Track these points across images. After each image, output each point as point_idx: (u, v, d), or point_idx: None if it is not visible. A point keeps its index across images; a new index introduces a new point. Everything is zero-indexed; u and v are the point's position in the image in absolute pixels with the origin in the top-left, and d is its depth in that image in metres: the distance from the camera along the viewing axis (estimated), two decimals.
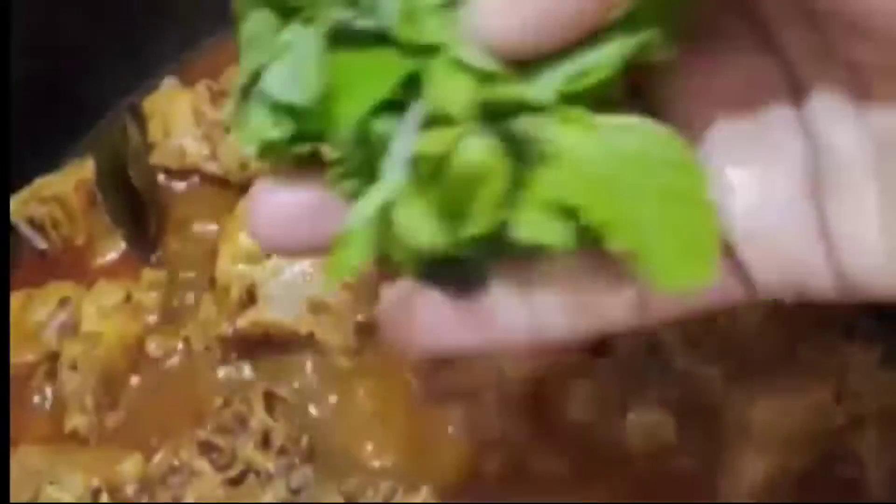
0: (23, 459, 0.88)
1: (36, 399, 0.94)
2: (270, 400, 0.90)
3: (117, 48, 1.11)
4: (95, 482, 0.86)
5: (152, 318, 0.96)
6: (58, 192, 1.03)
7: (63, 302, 0.97)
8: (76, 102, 1.10)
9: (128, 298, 0.96)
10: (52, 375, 0.95)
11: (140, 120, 1.05)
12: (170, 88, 1.09)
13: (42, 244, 1.04)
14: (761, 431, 0.81)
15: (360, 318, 0.89)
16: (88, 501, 0.85)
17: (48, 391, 0.94)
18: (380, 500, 0.85)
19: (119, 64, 1.11)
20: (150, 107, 1.06)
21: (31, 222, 1.03)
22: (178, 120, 1.02)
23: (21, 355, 0.95)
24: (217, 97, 1.01)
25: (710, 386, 0.85)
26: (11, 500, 0.84)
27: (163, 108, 1.04)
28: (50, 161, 1.09)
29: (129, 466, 0.87)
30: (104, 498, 0.86)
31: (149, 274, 0.98)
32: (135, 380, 0.94)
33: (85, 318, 0.95)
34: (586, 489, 0.84)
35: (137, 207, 0.99)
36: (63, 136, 1.11)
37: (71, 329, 0.96)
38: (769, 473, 0.81)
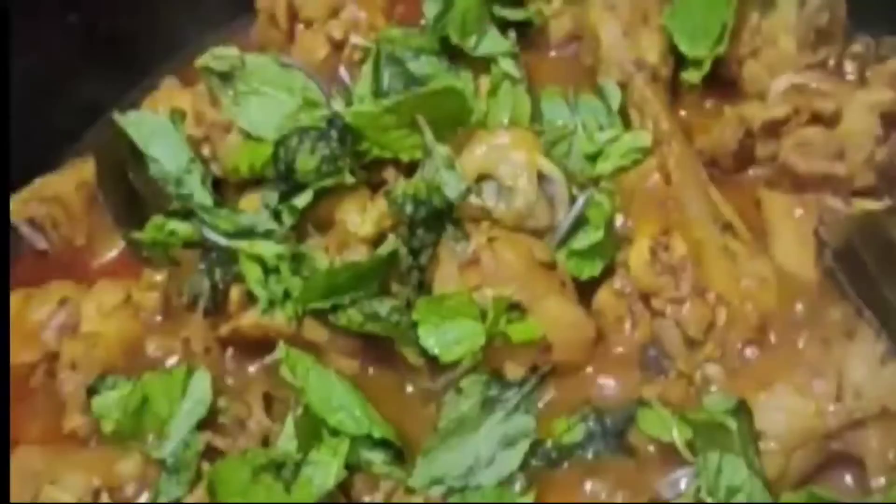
0: (23, 459, 0.88)
1: (35, 399, 0.94)
2: (269, 401, 0.90)
3: (117, 48, 1.12)
4: (96, 482, 0.86)
5: (152, 319, 0.96)
6: (58, 192, 1.03)
7: (63, 302, 0.97)
8: (76, 102, 1.11)
9: (128, 298, 0.96)
10: (51, 375, 0.94)
11: None
12: (170, 88, 1.09)
13: (42, 244, 1.04)
14: (762, 431, 0.81)
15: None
16: (89, 501, 0.85)
17: (47, 391, 0.94)
18: (380, 500, 0.85)
19: (118, 64, 1.12)
20: (149, 107, 1.06)
21: (32, 222, 1.03)
22: None
23: (20, 355, 0.95)
24: (217, 98, 1.01)
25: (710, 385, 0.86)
26: (11, 500, 0.84)
27: (163, 109, 1.04)
28: (50, 161, 1.09)
29: (129, 466, 0.87)
30: (104, 497, 0.86)
31: (149, 274, 0.98)
32: None
33: (85, 318, 0.95)
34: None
35: (138, 208, 0.99)
36: (63, 136, 1.11)
37: (70, 329, 0.96)
38: (771, 474, 0.80)
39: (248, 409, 0.88)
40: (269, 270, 0.91)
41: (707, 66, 0.99)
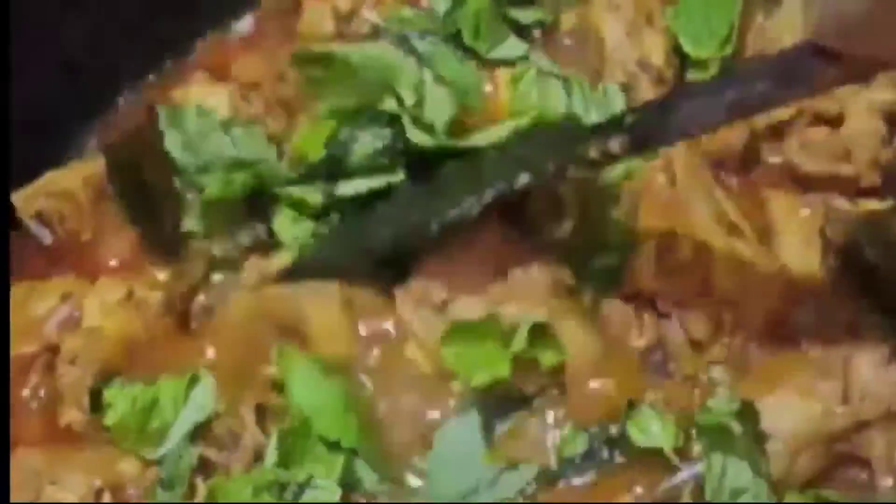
0: (23, 460, 0.88)
1: (30, 393, 0.94)
2: (262, 411, 0.88)
3: (131, 31, 1.11)
4: (97, 482, 0.86)
5: (154, 317, 0.95)
6: (66, 187, 1.02)
7: (65, 297, 0.96)
8: (89, 85, 1.11)
9: (130, 295, 0.96)
10: (50, 368, 0.94)
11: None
12: (202, 82, 1.08)
13: (48, 239, 1.03)
14: (767, 433, 0.80)
15: None
16: (92, 501, 0.85)
17: (44, 385, 0.94)
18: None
19: (132, 47, 1.11)
20: (183, 100, 1.05)
21: (39, 217, 1.02)
22: None
23: (20, 347, 0.94)
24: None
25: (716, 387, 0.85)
26: (12, 501, 0.84)
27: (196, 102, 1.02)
28: (61, 143, 1.09)
29: (131, 466, 0.87)
30: (107, 498, 0.86)
31: (153, 272, 0.98)
32: None
33: (87, 313, 0.95)
34: None
35: (153, 206, 0.99)
36: (75, 118, 1.11)
37: (72, 323, 0.95)
38: (776, 476, 0.80)
39: (242, 421, 0.87)
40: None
41: (713, 68, 0.98)
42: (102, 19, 1.09)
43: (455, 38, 1.01)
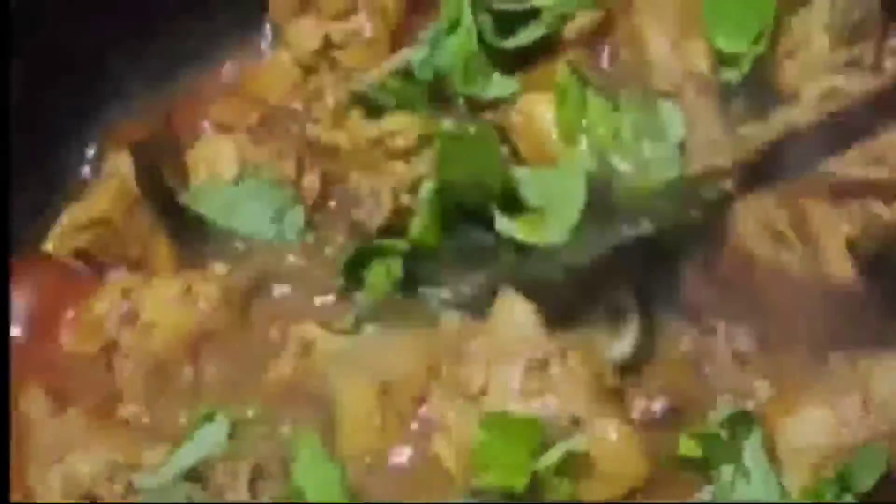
0: (67, 421, 0.92)
1: (94, 389, 0.96)
2: (259, 471, 0.85)
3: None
4: (120, 459, 0.88)
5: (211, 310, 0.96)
6: (97, 213, 1.01)
7: (125, 292, 0.98)
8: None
9: (188, 289, 0.97)
10: (109, 366, 0.96)
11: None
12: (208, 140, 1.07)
13: (94, 273, 1.02)
14: (790, 447, 0.82)
15: None
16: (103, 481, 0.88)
17: (106, 383, 0.96)
18: None
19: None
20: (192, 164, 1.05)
21: (80, 254, 1.02)
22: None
23: (81, 346, 0.97)
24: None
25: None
26: (35, 461, 0.88)
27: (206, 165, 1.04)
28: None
29: (153, 455, 0.89)
30: (120, 475, 0.87)
31: (213, 267, 1.00)
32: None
33: (144, 309, 0.97)
34: None
35: (177, 208, 1.01)
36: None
37: (131, 318, 0.97)
38: (802, 492, 0.81)
39: (234, 478, 0.84)
40: None
41: (746, 66, 0.97)
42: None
43: (433, 86, 0.99)
